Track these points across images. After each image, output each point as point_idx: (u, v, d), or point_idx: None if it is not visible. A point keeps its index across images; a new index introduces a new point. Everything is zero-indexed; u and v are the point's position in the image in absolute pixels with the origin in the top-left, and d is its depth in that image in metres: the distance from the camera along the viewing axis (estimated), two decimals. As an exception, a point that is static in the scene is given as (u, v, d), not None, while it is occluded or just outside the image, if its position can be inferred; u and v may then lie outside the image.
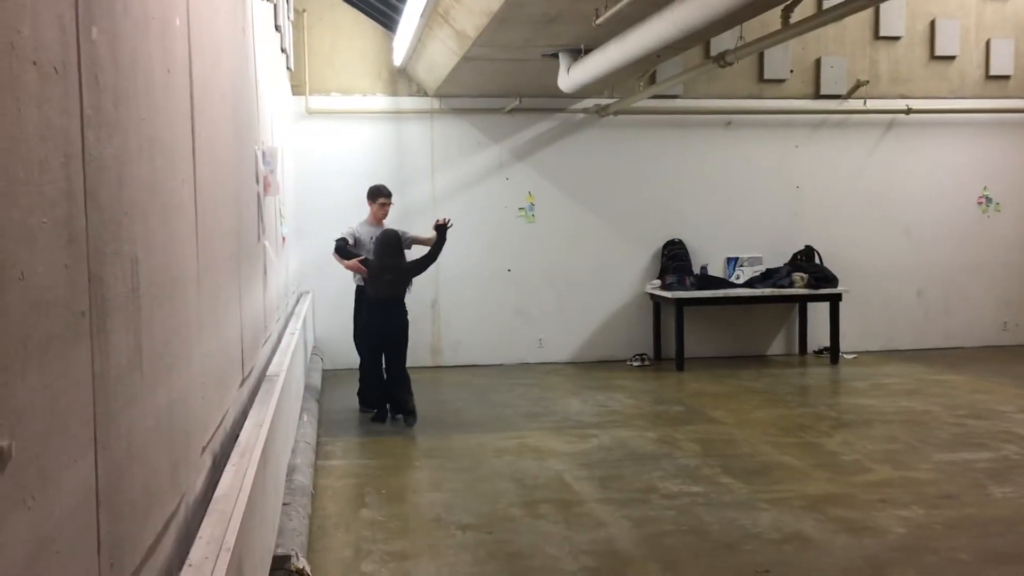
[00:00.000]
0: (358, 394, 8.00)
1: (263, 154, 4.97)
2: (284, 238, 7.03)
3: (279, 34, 7.22)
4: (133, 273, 1.96)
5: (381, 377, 7.59)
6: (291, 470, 5.36)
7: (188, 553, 2.28)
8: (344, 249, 7.61)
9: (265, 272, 5.06)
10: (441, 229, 7.58)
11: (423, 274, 7.68)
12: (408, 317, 7.53)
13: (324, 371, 9.67)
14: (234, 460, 3.04)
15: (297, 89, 9.88)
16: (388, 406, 7.59)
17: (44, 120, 1.43)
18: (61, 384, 1.46)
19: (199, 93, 2.91)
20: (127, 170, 1.95)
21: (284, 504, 4.64)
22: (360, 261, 7.50)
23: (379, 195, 8.02)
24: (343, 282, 10.11)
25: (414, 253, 7.71)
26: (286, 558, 3.79)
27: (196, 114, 2.84)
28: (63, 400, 1.47)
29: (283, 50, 7.83)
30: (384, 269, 7.36)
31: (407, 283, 7.52)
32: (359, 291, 7.94)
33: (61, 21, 1.54)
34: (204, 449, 2.88)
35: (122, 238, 1.89)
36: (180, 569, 2.18)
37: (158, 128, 2.29)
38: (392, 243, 7.43)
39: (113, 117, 1.84)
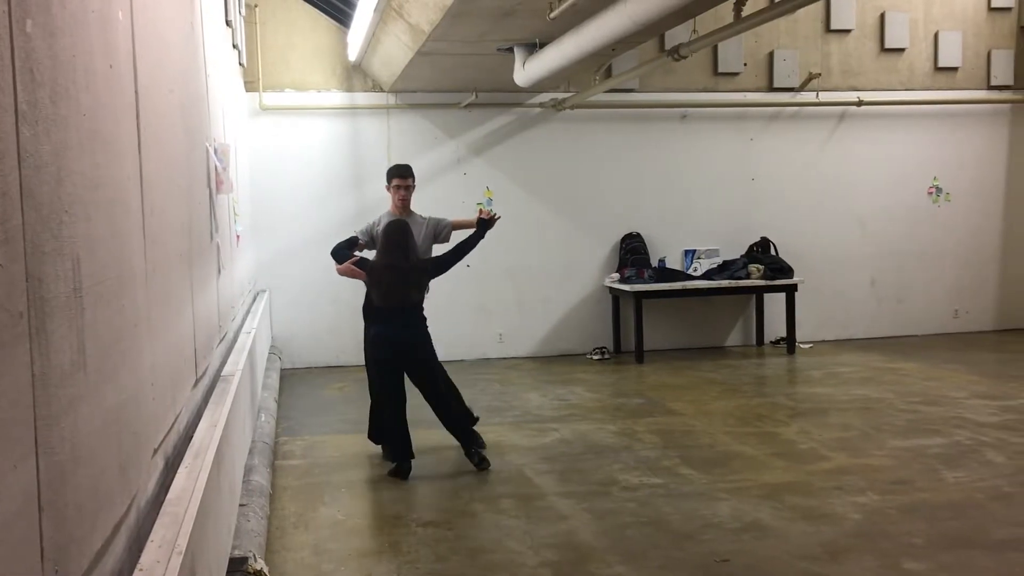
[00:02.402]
0: (369, 435, 6.48)
1: (215, 151, 4.90)
2: (239, 236, 6.95)
3: (230, 29, 7.12)
4: (75, 272, 1.91)
5: (398, 410, 5.99)
6: (249, 471, 5.30)
7: (139, 557, 2.23)
8: (339, 252, 6.13)
9: (219, 270, 4.99)
10: (484, 224, 6.30)
11: (444, 274, 6.25)
12: (428, 327, 6.10)
13: (282, 370, 9.58)
14: (187, 462, 2.99)
15: (250, 85, 9.76)
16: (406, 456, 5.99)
17: (-25, 115, 1.38)
18: (-3, 387, 1.42)
19: (144, 88, 2.86)
20: (67, 167, 1.90)
21: (241, 505, 4.58)
22: (355, 263, 6.06)
23: (391, 176, 6.45)
24: (300, 280, 10.06)
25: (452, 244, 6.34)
26: (243, 560, 3.75)
27: (141, 110, 2.79)
28: (0, 403, 1.43)
29: (235, 46, 7.73)
30: (386, 268, 5.95)
31: (419, 286, 6.05)
32: (367, 300, 6.31)
33: (-8, 14, 1.49)
34: (156, 451, 2.83)
35: (63, 236, 1.84)
36: (131, 573, 2.14)
37: (100, 124, 2.24)
38: (395, 236, 5.97)
39: (51, 112, 1.80)
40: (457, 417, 6.16)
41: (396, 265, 5.93)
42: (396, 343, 5.97)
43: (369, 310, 6.22)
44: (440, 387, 6.14)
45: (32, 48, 1.70)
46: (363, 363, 6.52)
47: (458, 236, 6.45)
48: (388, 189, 6.49)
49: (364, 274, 6.06)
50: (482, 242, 10.17)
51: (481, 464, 5.98)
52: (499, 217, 6.47)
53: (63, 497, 1.75)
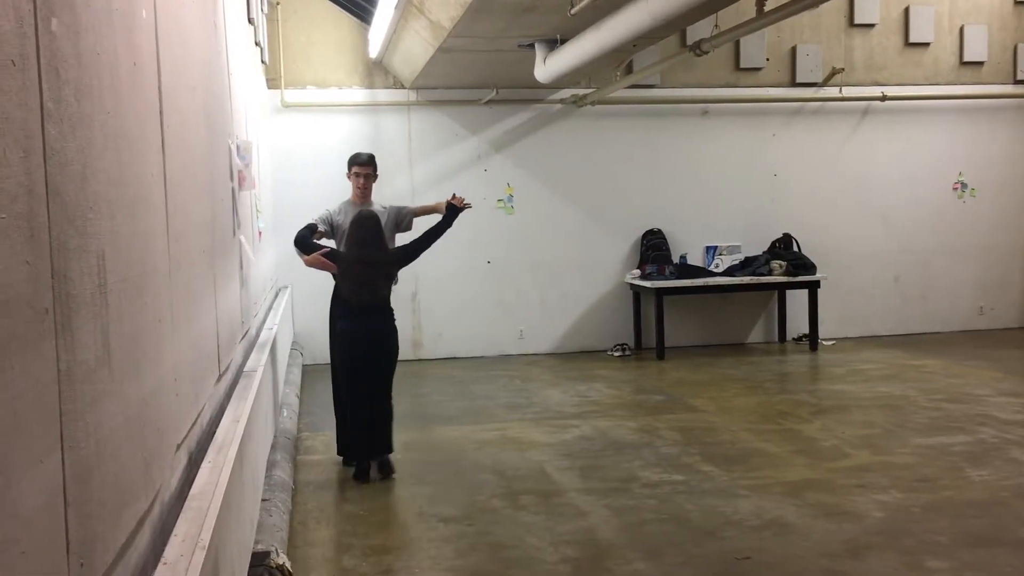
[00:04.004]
0: (338, 440, 6.17)
1: (237, 148, 4.92)
2: (261, 233, 6.99)
3: (252, 27, 7.15)
4: (100, 269, 1.93)
5: (365, 408, 5.81)
6: (271, 466, 5.33)
7: (163, 551, 2.25)
8: (304, 241, 5.88)
9: (241, 267, 5.02)
10: (453, 210, 6.06)
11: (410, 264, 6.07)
12: (396, 324, 5.93)
13: (304, 366, 9.63)
14: (210, 457, 3.01)
15: (272, 83, 9.81)
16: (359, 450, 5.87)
17: (1, 114, 1.40)
18: (23, 383, 1.44)
19: (168, 86, 2.88)
20: (92, 164, 1.92)
21: (264, 500, 4.61)
22: (326, 254, 5.81)
23: (351, 164, 6.31)
24: (321, 277, 10.05)
25: (415, 232, 6.18)
26: (265, 554, 3.77)
27: (165, 107, 2.81)
28: (26, 399, 1.45)
29: (257, 43, 7.77)
30: (358, 262, 5.77)
31: (390, 278, 5.90)
32: (336, 293, 6.13)
33: (18, 13, 1.51)
34: (179, 446, 2.85)
35: (88, 233, 1.86)
36: (155, 568, 2.16)
37: (125, 122, 2.26)
38: (368, 227, 5.78)
39: (75, 110, 1.81)
40: (386, 423, 5.87)
41: (368, 258, 5.75)
42: (369, 337, 5.78)
43: (338, 304, 5.99)
44: (390, 387, 5.90)
45: (57, 47, 1.71)
46: None
47: (422, 224, 6.27)
48: (348, 176, 6.32)
49: (334, 266, 5.83)
50: (503, 238, 9.81)
51: (386, 474, 5.79)
52: (470, 205, 6.25)
53: (88, 492, 1.77)
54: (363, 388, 5.80)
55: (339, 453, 6.17)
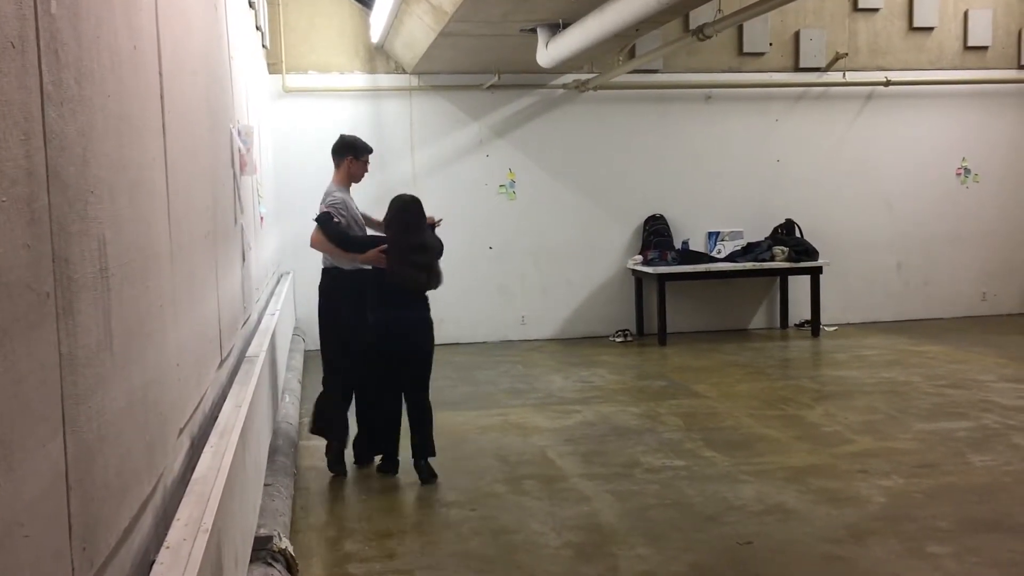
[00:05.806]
0: (356, 444, 5.78)
1: (239, 133, 4.91)
2: (263, 218, 6.98)
3: (253, 11, 7.12)
4: (101, 253, 1.92)
5: (397, 401, 5.58)
6: (273, 451, 5.34)
7: (166, 535, 2.25)
8: (355, 239, 5.60)
9: (243, 252, 5.01)
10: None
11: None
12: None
13: (306, 351, 9.63)
14: (213, 441, 3.01)
15: (273, 67, 9.77)
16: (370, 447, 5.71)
17: (1, 96, 1.39)
18: (25, 367, 1.44)
19: (168, 70, 2.86)
20: (92, 148, 1.91)
21: (266, 485, 4.62)
22: (381, 249, 5.47)
23: (367, 151, 5.95)
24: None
25: None
26: (268, 538, 3.78)
27: (165, 91, 2.79)
28: (28, 383, 1.45)
29: (258, 27, 7.73)
30: (418, 248, 5.45)
31: (438, 268, 5.62)
32: (331, 278, 5.83)
33: (17, -6, 1.49)
34: (182, 431, 2.85)
35: (88, 217, 1.85)
36: (158, 551, 2.16)
37: (125, 105, 2.25)
38: (417, 210, 5.50)
39: (76, 93, 1.80)
40: (428, 429, 5.56)
41: (427, 243, 5.51)
42: (413, 325, 5.53)
43: (374, 295, 5.57)
44: (428, 389, 5.63)
45: (57, 29, 1.70)
46: None
47: None
48: (352, 162, 5.88)
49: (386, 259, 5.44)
50: (505, 223, 9.73)
51: (428, 479, 5.41)
52: (440, 222, 5.87)
53: (91, 476, 1.77)
54: (402, 380, 5.55)
55: (357, 460, 5.75)
